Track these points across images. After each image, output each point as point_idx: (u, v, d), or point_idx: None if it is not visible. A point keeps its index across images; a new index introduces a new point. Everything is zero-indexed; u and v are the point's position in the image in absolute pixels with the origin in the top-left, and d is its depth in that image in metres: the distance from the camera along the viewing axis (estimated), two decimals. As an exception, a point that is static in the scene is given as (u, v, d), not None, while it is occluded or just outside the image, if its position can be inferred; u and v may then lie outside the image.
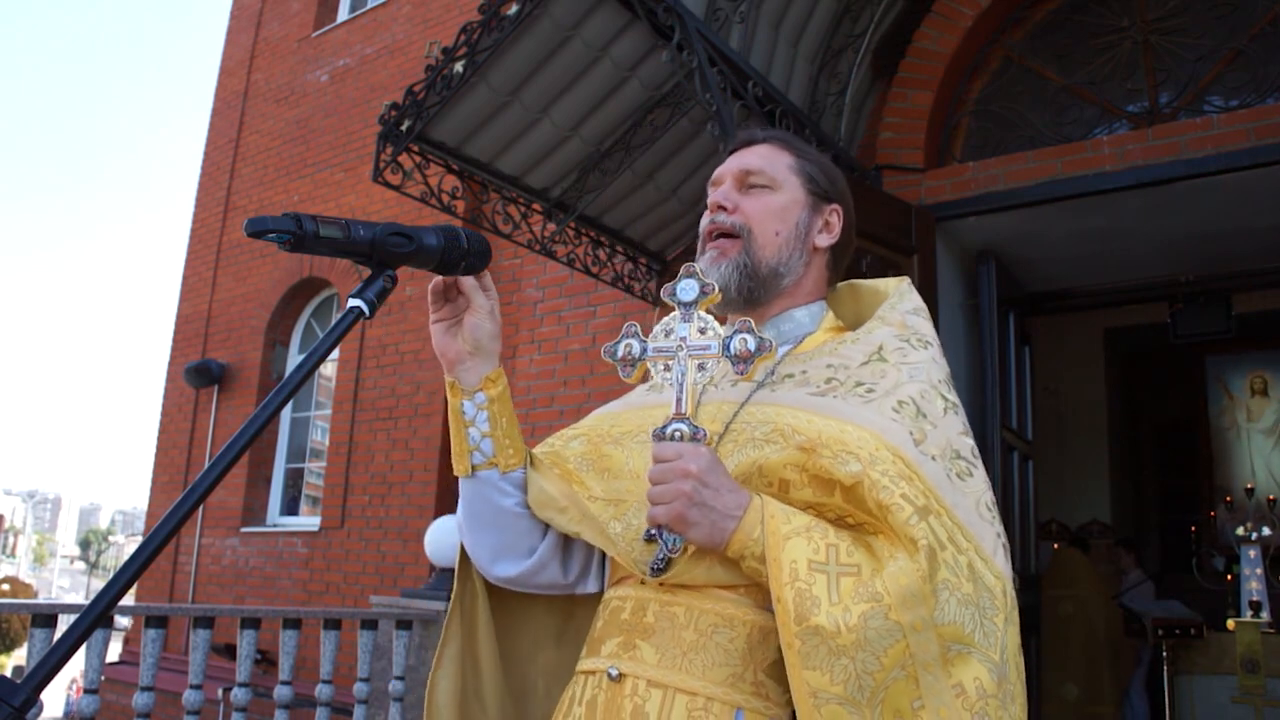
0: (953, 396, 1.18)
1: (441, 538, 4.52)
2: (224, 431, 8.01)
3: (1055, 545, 6.87)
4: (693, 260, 1.23)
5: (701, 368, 1.11)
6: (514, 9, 3.28)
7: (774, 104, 3.51)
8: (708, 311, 1.13)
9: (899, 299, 1.31)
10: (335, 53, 8.31)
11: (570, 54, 3.53)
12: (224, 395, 8.15)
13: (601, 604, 1.21)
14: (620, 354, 1.16)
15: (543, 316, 5.54)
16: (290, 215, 0.94)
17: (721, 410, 1.21)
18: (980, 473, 1.12)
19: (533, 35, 3.41)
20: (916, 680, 0.98)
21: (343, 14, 8.68)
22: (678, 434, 1.09)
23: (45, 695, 0.80)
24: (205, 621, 3.56)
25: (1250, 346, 7.65)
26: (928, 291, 3.90)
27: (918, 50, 4.42)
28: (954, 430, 1.13)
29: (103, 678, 3.35)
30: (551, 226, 4.48)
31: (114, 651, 7.70)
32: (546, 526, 1.25)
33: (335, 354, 7.23)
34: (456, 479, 1.25)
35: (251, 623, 3.67)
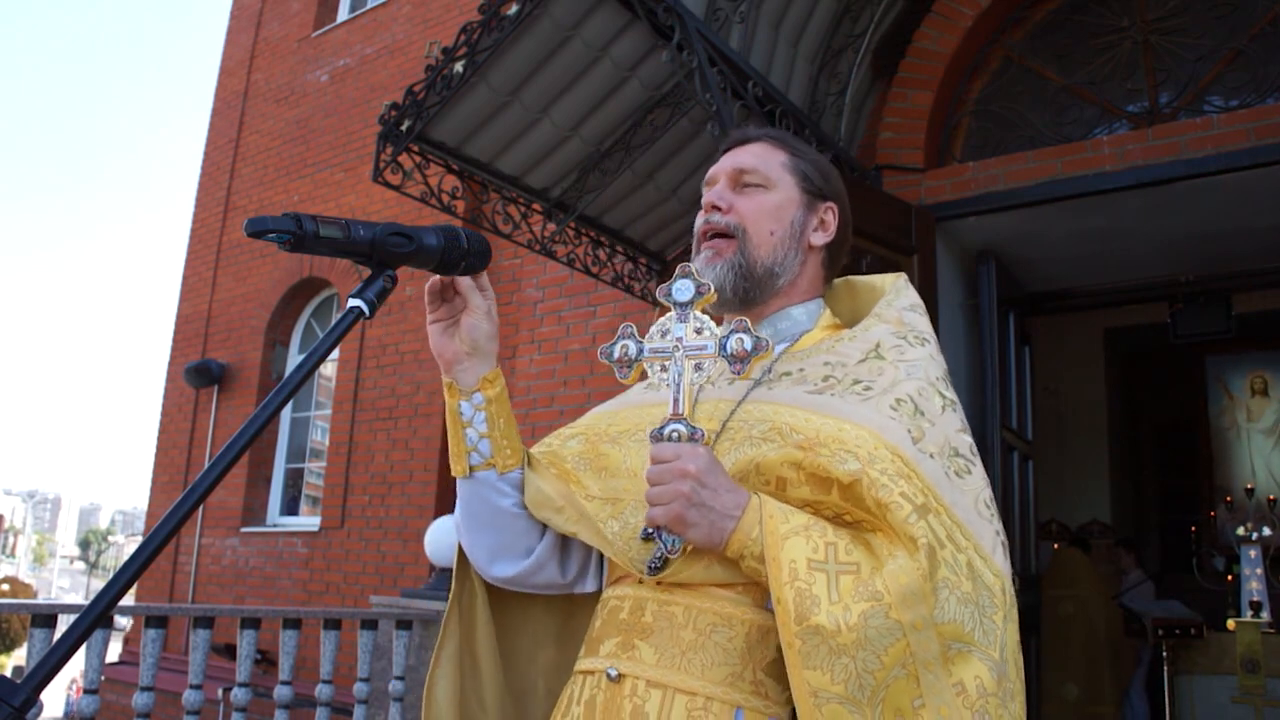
0: (950, 393, 1.17)
1: (441, 538, 4.52)
2: (224, 431, 8.01)
3: (1055, 545, 6.88)
4: (690, 260, 1.23)
5: (698, 368, 1.11)
6: (514, 9, 3.28)
7: (774, 104, 3.51)
8: (703, 311, 1.13)
9: (895, 295, 1.30)
10: (335, 53, 8.31)
11: (570, 54, 3.53)
12: (224, 395, 8.15)
13: (600, 603, 1.21)
14: (616, 355, 1.16)
15: (543, 316, 5.55)
16: (290, 215, 0.94)
17: (719, 408, 1.21)
18: (979, 470, 1.12)
19: (533, 35, 3.41)
20: (917, 679, 0.98)
21: (343, 14, 8.69)
22: (675, 434, 1.09)
23: (45, 695, 0.80)
24: (205, 621, 3.56)
25: (1250, 346, 7.65)
26: (928, 291, 3.90)
27: (918, 50, 4.42)
28: (952, 427, 1.13)
29: (103, 678, 3.35)
30: (551, 226, 4.48)
31: (114, 651, 7.70)
32: (544, 527, 1.25)
33: (335, 354, 7.23)
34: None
35: (251, 623, 3.67)
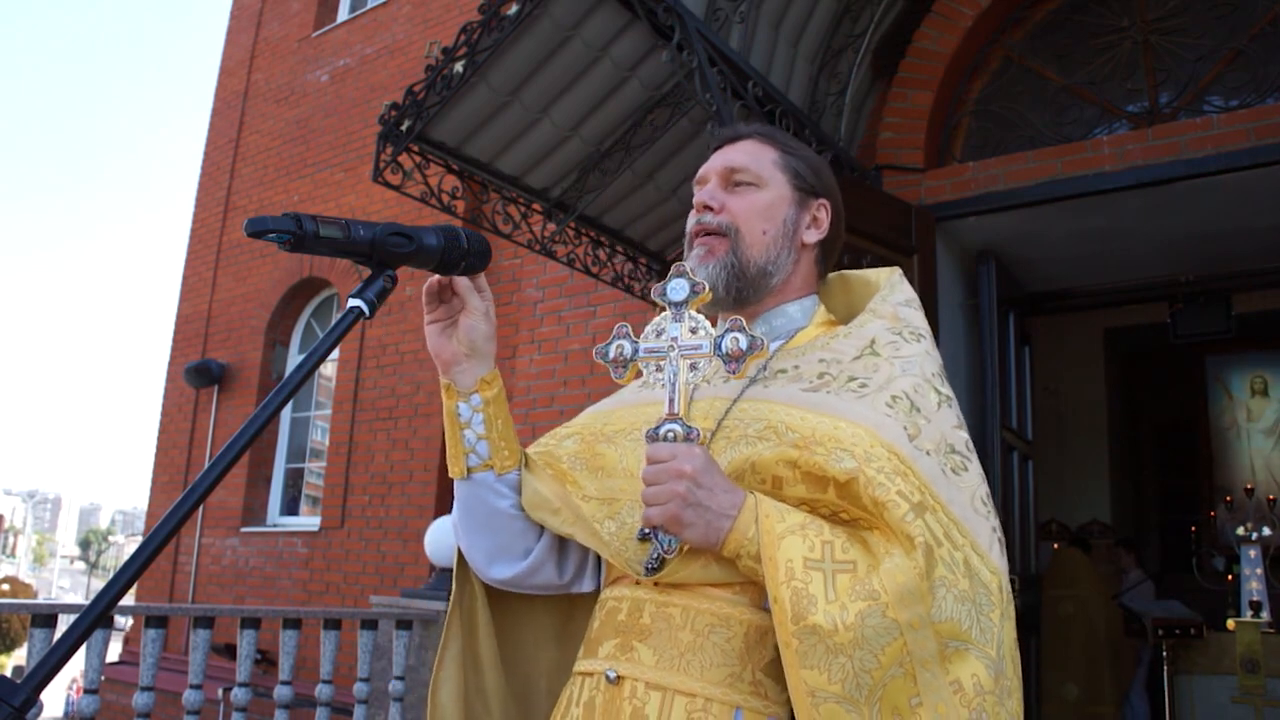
0: (946, 389, 1.16)
1: (441, 538, 4.52)
2: (224, 431, 8.01)
3: (1055, 545, 6.88)
4: (682, 260, 1.22)
5: (694, 367, 1.10)
6: (514, 9, 3.28)
7: (774, 104, 3.51)
8: (698, 311, 1.13)
9: (890, 291, 1.29)
10: (335, 53, 8.31)
11: (570, 54, 3.53)
12: (224, 395, 8.16)
13: (598, 604, 1.21)
14: (612, 355, 1.15)
15: (543, 316, 5.55)
16: (290, 215, 0.94)
17: (714, 407, 1.21)
18: (975, 466, 1.11)
19: (533, 35, 3.41)
20: (914, 678, 0.97)
21: (343, 14, 8.69)
22: (671, 434, 1.08)
23: (45, 695, 0.80)
24: (205, 621, 3.56)
25: (1250, 346, 7.65)
26: (928, 291, 3.90)
27: (918, 50, 4.42)
28: (948, 424, 1.12)
29: (103, 678, 3.35)
30: (551, 226, 4.48)
31: (114, 651, 7.70)
32: (542, 528, 1.25)
33: (335, 354, 7.23)
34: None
35: (251, 623, 3.67)
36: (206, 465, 0.83)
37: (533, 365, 5.49)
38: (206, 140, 9.35)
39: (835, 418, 1.10)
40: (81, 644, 0.75)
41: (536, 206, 4.37)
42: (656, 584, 1.11)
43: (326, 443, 7.38)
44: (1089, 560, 6.45)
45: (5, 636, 25.57)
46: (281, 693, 3.71)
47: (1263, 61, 3.85)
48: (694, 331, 1.11)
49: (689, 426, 1.09)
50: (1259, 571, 5.32)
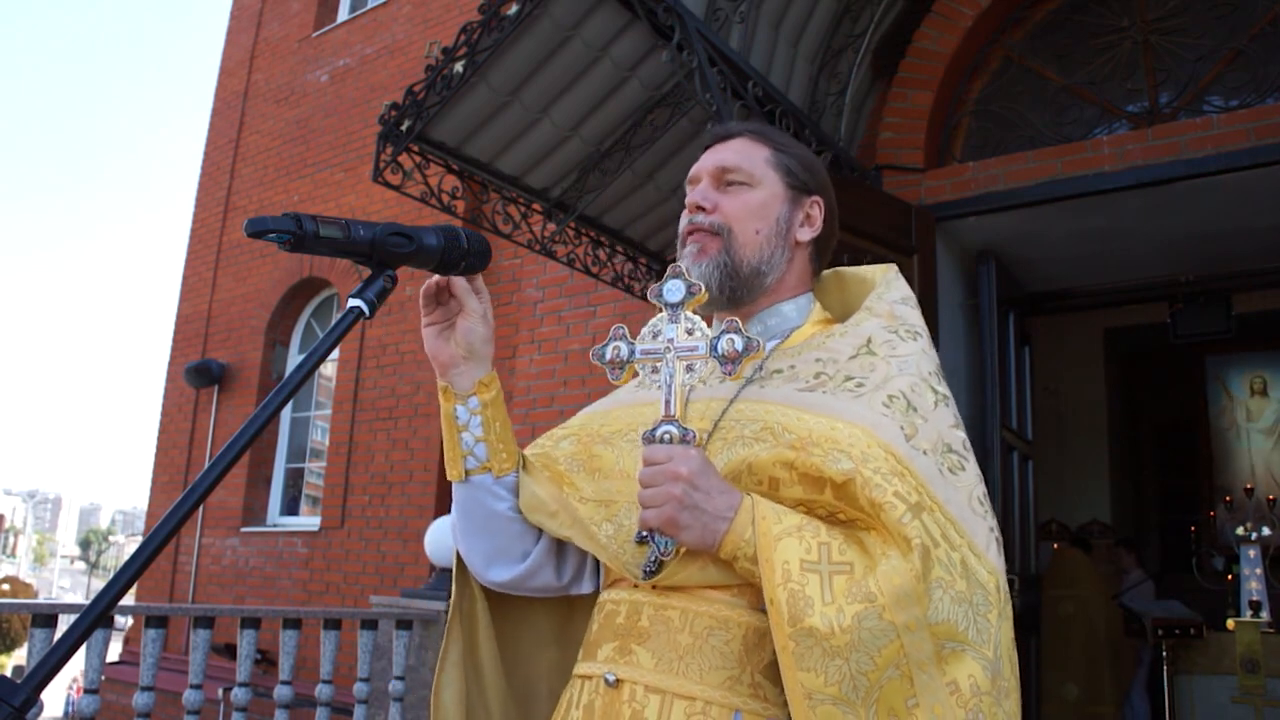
0: (943, 388, 1.16)
1: (441, 538, 4.52)
2: (224, 431, 8.01)
3: (1055, 545, 6.87)
4: (676, 259, 1.22)
5: (689, 369, 1.10)
6: (514, 9, 3.28)
7: (774, 104, 3.51)
8: (694, 311, 1.12)
9: (886, 288, 1.28)
10: (335, 53, 8.31)
11: (570, 54, 3.53)
12: (224, 395, 8.16)
13: (596, 607, 1.20)
14: (608, 356, 1.15)
15: (543, 316, 5.55)
16: (290, 215, 0.94)
17: (710, 408, 1.20)
18: (972, 466, 1.11)
19: (533, 35, 3.41)
20: (911, 679, 0.97)
21: (343, 14, 8.69)
22: (667, 436, 1.08)
23: (45, 695, 0.80)
24: (205, 621, 3.57)
25: (1250, 346, 7.65)
26: (927, 291, 3.90)
27: (918, 50, 4.42)
28: (945, 424, 1.12)
29: (103, 678, 3.35)
30: (551, 226, 4.48)
31: (114, 651, 7.70)
32: (540, 530, 1.24)
33: (335, 354, 7.23)
34: (452, 481, 1.25)
35: (251, 623, 3.67)
36: (206, 465, 0.83)
37: (533, 365, 5.49)
38: (206, 140, 9.35)
39: (832, 418, 1.09)
40: (82, 644, 0.76)
41: (536, 206, 4.38)
42: (655, 587, 1.11)
43: (326, 443, 7.38)
44: (1089, 560, 6.45)
45: (5, 636, 25.58)
46: (281, 693, 3.71)
47: (1263, 61, 3.85)
48: (690, 333, 1.11)
49: (685, 428, 1.08)
50: (1259, 571, 5.32)
